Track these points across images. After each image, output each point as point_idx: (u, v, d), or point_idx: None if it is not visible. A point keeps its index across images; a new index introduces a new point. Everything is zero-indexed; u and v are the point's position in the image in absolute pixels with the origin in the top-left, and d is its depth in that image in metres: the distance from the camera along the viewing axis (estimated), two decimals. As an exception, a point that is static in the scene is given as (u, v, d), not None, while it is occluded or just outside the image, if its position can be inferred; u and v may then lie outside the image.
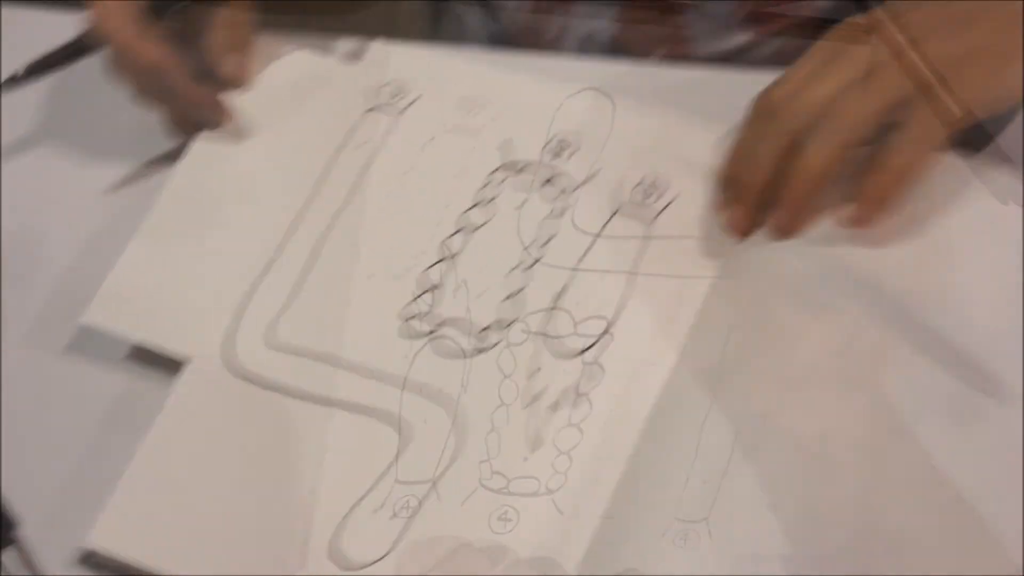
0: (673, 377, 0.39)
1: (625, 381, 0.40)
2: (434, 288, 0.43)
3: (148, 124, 0.50)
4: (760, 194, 0.40)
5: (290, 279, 0.45)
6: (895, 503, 0.33)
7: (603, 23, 0.56)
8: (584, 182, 0.44)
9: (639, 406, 0.39)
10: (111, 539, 0.40)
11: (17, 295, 0.48)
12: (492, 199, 0.45)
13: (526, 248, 0.43)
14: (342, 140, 0.47)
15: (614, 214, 0.43)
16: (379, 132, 0.47)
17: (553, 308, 0.42)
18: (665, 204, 0.43)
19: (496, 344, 0.42)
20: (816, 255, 0.40)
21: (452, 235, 0.44)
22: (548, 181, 0.45)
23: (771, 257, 0.40)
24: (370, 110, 0.48)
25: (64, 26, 0.53)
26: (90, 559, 0.41)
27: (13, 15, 0.62)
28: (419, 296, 0.43)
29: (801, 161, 0.39)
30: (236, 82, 0.49)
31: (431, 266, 0.44)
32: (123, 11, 0.45)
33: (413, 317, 0.43)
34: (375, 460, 0.40)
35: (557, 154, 0.45)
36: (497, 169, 0.45)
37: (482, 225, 0.44)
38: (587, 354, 0.40)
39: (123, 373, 0.45)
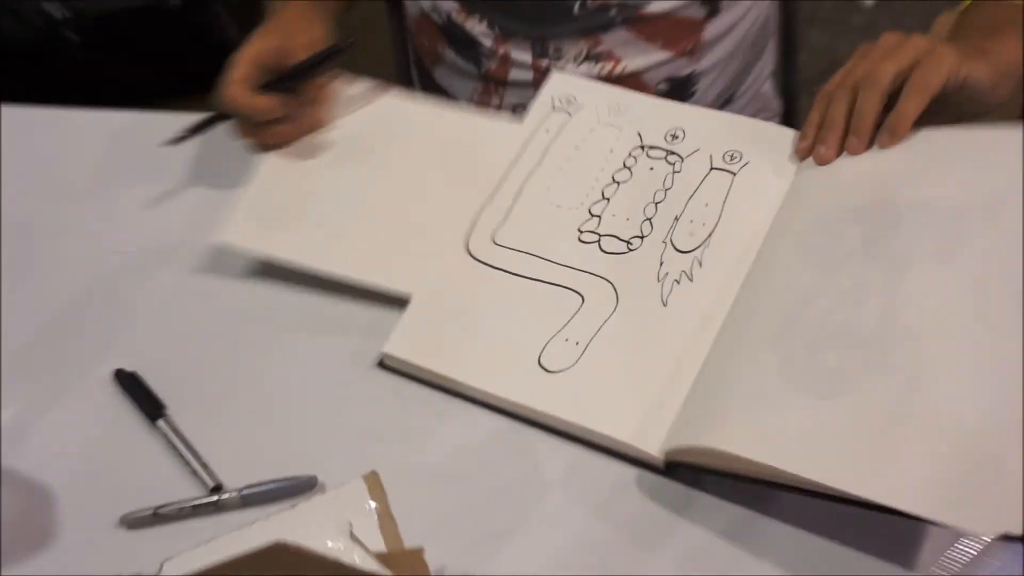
0: (756, 264, 0.64)
1: (718, 271, 0.65)
2: (597, 216, 0.70)
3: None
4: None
5: (505, 205, 0.71)
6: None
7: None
8: (690, 154, 0.71)
9: (734, 276, 0.64)
10: (403, 349, 0.66)
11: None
12: (632, 166, 0.72)
13: (655, 192, 0.70)
14: (536, 125, 0.75)
15: (711, 171, 0.70)
16: (559, 123, 0.75)
17: (673, 228, 0.68)
18: (742, 166, 0.69)
19: (639, 247, 0.68)
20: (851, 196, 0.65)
21: (607, 185, 0.71)
22: (667, 155, 0.71)
23: (818, 200, 0.66)
24: (553, 109, 0.76)
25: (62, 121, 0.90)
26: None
27: (13, 114, 0.94)
28: (587, 220, 0.70)
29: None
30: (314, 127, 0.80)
31: (594, 203, 0.70)
32: (242, 87, 0.75)
33: (585, 231, 0.69)
34: (565, 312, 0.66)
35: (672, 140, 0.72)
36: (634, 148, 0.72)
37: (626, 181, 0.71)
38: (694, 252, 0.66)
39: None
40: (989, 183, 0.61)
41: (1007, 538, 0.51)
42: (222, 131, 0.82)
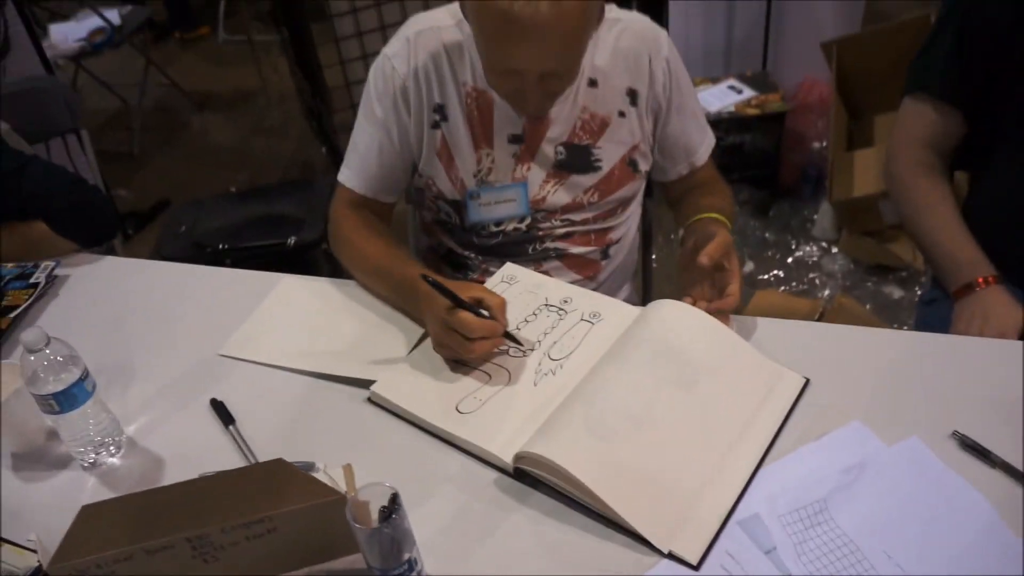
0: (590, 371, 1.09)
1: (573, 369, 1.11)
2: (518, 331, 1.17)
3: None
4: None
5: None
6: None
7: None
8: (571, 312, 1.19)
9: (577, 376, 1.09)
10: (386, 391, 1.11)
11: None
12: (537, 314, 1.20)
13: (546, 328, 1.18)
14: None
15: (580, 321, 1.17)
16: (502, 289, 1.26)
17: (553, 346, 1.14)
18: (599, 321, 1.17)
19: (529, 355, 1.14)
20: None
21: (520, 323, 1.19)
22: (559, 310, 1.19)
23: (631, 336, 1.11)
24: (501, 281, 1.26)
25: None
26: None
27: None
28: (513, 331, 1.16)
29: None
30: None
31: (517, 326, 1.17)
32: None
33: (514, 333, 1.16)
34: (479, 383, 1.12)
35: (564, 303, 1.20)
36: (540, 305, 1.21)
37: (532, 321, 1.19)
38: (560, 360, 1.12)
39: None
40: (716, 355, 1.10)
41: (672, 556, 0.94)
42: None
